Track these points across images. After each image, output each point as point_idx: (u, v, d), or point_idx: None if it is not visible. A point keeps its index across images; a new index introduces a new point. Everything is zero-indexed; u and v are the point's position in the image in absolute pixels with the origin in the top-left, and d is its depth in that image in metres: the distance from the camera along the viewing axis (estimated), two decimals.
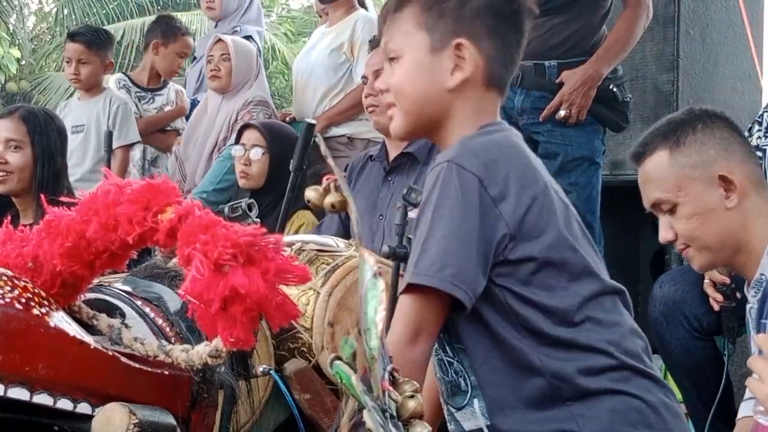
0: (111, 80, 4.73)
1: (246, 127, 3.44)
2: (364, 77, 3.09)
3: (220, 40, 4.09)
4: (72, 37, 4.36)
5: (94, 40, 4.28)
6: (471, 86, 1.53)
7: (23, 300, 1.28)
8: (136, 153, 4.47)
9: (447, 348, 1.53)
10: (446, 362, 1.54)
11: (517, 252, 1.45)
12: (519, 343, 1.45)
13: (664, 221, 1.98)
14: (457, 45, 1.51)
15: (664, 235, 1.98)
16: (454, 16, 1.51)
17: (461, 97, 1.53)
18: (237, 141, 3.44)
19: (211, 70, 4.05)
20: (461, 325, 1.48)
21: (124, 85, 4.57)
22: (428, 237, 1.44)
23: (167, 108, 4.56)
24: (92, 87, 4.31)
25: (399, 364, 1.18)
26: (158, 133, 4.46)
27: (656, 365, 2.78)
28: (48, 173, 2.98)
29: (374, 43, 3.01)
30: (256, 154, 3.29)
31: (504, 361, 1.46)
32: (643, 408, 1.47)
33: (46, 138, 3.01)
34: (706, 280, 2.46)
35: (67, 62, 4.34)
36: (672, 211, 1.95)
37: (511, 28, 1.56)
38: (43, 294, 1.33)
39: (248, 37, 4.45)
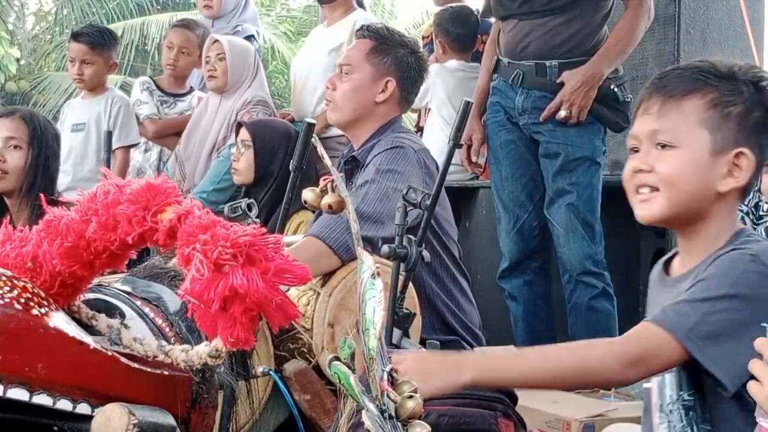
0: (135, 83, 4.75)
1: (238, 126, 3.51)
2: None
3: (216, 40, 4.11)
4: (76, 37, 4.35)
5: (98, 41, 4.29)
6: (736, 193, 1.57)
7: (22, 300, 1.27)
8: (152, 154, 4.48)
9: (694, 427, 1.53)
10: None
11: None
12: None
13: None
14: (737, 154, 1.53)
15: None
16: (737, 123, 1.53)
17: (723, 202, 1.56)
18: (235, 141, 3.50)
19: (208, 71, 4.07)
20: (716, 406, 1.48)
21: (147, 87, 4.55)
22: (712, 309, 1.46)
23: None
24: (96, 87, 4.32)
25: (604, 374, 1.16)
26: (175, 136, 4.47)
27: None
28: (44, 177, 2.99)
29: (358, 34, 2.95)
30: (242, 149, 3.37)
31: None
32: None
33: (45, 142, 3.02)
34: None
35: (71, 62, 4.35)
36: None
37: None
38: (43, 294, 1.33)
39: (250, 37, 4.46)
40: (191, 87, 4.69)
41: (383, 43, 2.84)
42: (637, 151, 1.58)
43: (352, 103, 2.81)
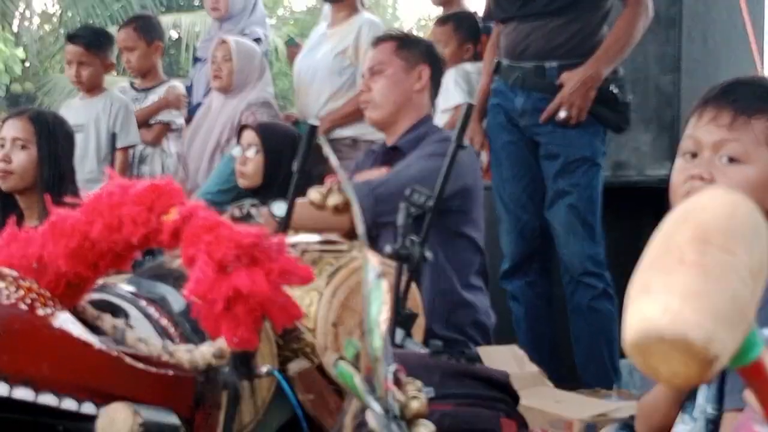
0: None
1: (243, 128, 3.48)
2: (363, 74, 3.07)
3: (224, 41, 4.12)
4: (71, 39, 4.38)
5: (94, 42, 4.31)
6: None
7: (28, 300, 1.29)
8: (129, 152, 4.50)
9: None
10: None
11: None
12: None
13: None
14: None
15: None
16: None
17: None
18: (237, 142, 3.48)
19: (214, 71, 4.09)
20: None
21: (122, 91, 4.65)
22: None
23: None
24: (93, 88, 4.34)
25: None
26: (144, 128, 4.50)
27: None
28: (52, 175, 3.00)
29: (374, 42, 3.03)
30: (251, 153, 3.33)
31: None
32: None
33: (53, 140, 3.03)
34: None
35: (68, 64, 4.37)
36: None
37: None
38: (48, 294, 1.34)
39: (257, 40, 4.48)
40: (166, 78, 4.76)
41: (406, 39, 2.97)
42: (694, 156, 1.55)
43: (392, 96, 2.88)
